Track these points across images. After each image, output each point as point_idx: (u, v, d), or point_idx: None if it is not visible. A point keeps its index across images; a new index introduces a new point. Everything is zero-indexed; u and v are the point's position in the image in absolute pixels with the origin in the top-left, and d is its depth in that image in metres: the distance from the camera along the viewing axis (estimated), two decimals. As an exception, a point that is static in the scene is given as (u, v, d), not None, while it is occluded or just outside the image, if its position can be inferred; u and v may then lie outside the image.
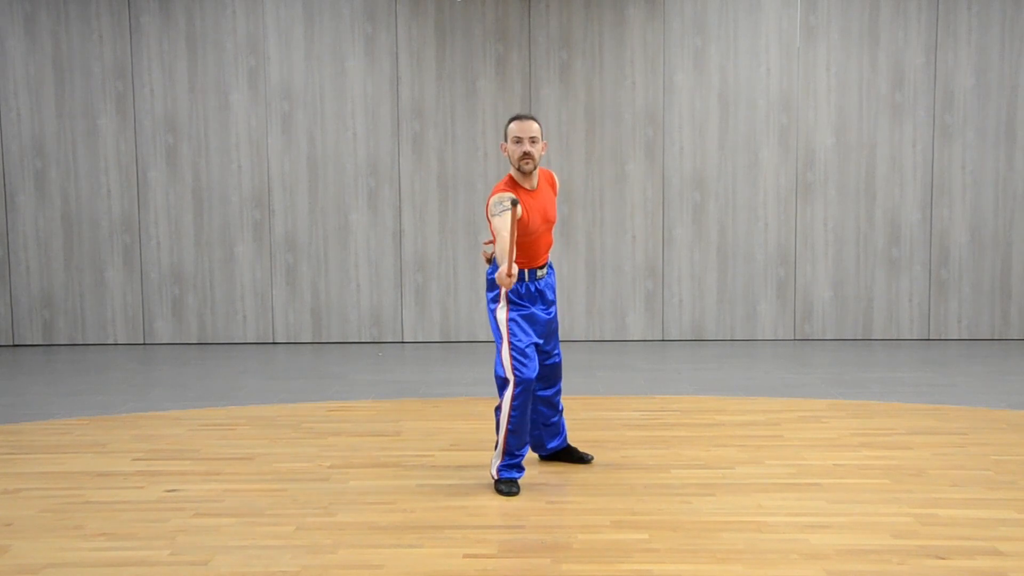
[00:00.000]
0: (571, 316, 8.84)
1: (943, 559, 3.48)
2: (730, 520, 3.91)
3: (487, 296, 4.49)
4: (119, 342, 8.87)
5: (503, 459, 4.38)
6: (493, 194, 4.32)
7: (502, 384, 4.38)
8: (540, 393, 4.67)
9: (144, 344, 8.87)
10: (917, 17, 8.59)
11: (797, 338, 8.88)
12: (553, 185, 4.58)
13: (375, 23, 8.66)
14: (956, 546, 3.61)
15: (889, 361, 7.83)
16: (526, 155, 4.30)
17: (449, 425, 5.62)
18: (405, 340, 8.90)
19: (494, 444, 4.57)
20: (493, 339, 4.46)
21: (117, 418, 5.88)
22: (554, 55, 8.68)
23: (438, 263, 8.84)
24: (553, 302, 4.58)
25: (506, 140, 4.38)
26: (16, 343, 8.85)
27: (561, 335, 8.80)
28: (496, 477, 4.39)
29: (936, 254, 8.78)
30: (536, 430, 4.74)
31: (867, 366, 7.59)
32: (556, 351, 4.69)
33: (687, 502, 4.15)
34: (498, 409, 4.40)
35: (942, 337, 8.84)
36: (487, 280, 4.51)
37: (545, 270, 4.52)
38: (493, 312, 4.44)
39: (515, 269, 4.07)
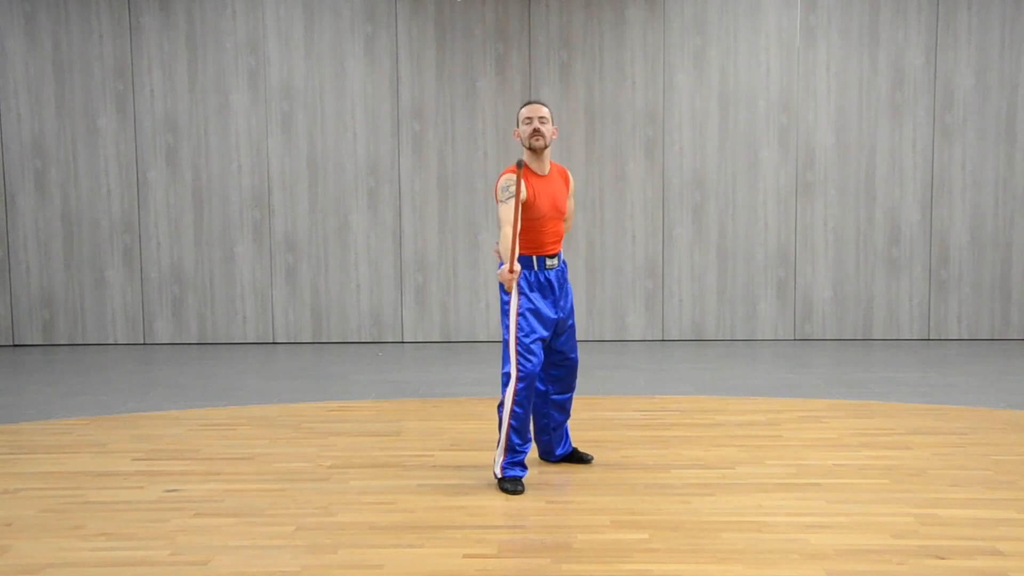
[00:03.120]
0: (571, 316, 8.83)
1: (943, 559, 3.48)
2: (730, 520, 3.91)
3: (501, 296, 4.49)
4: (119, 342, 8.87)
5: (506, 456, 4.37)
6: (502, 175, 4.39)
7: (507, 380, 4.38)
8: (555, 397, 4.68)
9: (144, 344, 8.87)
10: (917, 17, 8.59)
11: (797, 338, 8.88)
12: (566, 180, 4.64)
13: (375, 23, 8.66)
14: (956, 546, 3.60)
15: (889, 361, 7.82)
16: (536, 132, 4.42)
17: (449, 425, 5.62)
18: (405, 340, 8.90)
19: (496, 442, 4.55)
20: (503, 337, 4.45)
21: (117, 418, 5.88)
22: (554, 55, 8.68)
23: (438, 263, 8.83)
24: (564, 297, 4.57)
25: (516, 125, 4.51)
26: (16, 343, 8.85)
27: (561, 335, 8.79)
28: (500, 476, 4.39)
29: (936, 254, 8.78)
30: (546, 435, 4.74)
31: (867, 366, 7.59)
32: (573, 353, 4.68)
33: (687, 502, 4.15)
34: (500, 406, 4.40)
35: (942, 337, 8.84)
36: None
37: (556, 261, 4.52)
38: (506, 306, 4.43)
39: (517, 267, 4.20)
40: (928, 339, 8.83)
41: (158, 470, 4.71)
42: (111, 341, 8.87)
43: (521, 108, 4.50)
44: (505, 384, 4.38)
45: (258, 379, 7.23)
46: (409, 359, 8.09)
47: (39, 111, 8.66)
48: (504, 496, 4.26)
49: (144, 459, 4.92)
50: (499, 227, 4.46)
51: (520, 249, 4.41)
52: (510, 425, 4.33)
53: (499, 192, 4.36)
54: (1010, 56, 8.59)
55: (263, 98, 8.69)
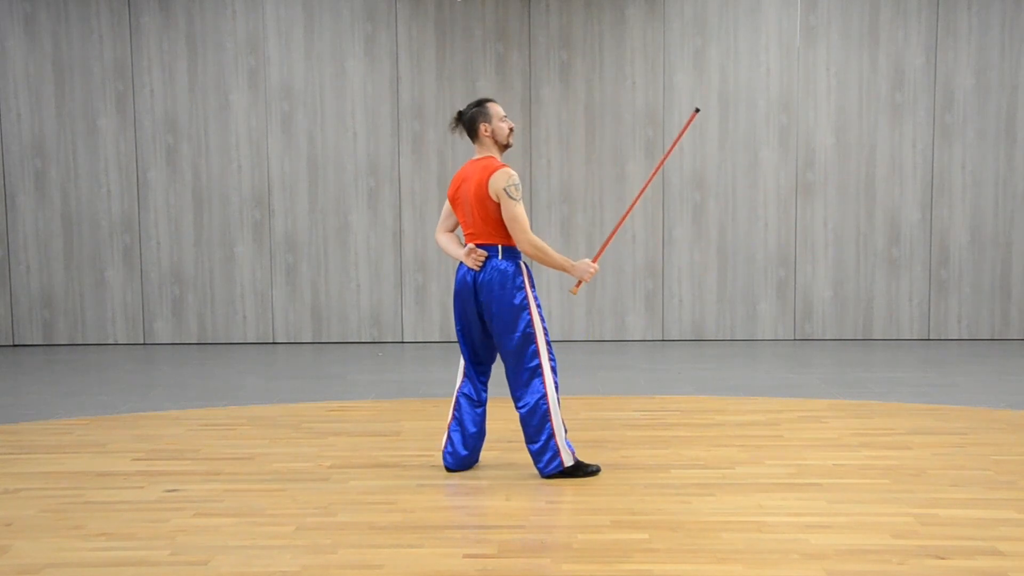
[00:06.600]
0: (571, 316, 8.84)
1: (943, 559, 3.48)
2: (730, 520, 3.91)
3: (513, 294, 4.37)
4: (119, 342, 8.87)
5: (565, 438, 4.44)
6: (496, 168, 4.34)
7: (530, 377, 4.40)
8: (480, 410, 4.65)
9: (144, 344, 8.87)
10: (917, 17, 8.59)
11: (797, 338, 8.87)
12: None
13: (375, 23, 8.66)
14: (956, 546, 3.60)
15: (889, 361, 7.82)
16: (512, 130, 4.49)
17: (449, 425, 5.61)
18: (405, 340, 8.90)
19: (539, 439, 4.43)
20: (512, 332, 4.39)
21: (117, 418, 5.88)
22: (554, 55, 8.68)
23: (438, 263, 8.83)
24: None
25: (488, 121, 4.43)
26: (16, 343, 8.85)
27: (561, 335, 8.83)
28: (574, 462, 4.45)
29: (936, 254, 8.77)
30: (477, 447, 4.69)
31: (867, 366, 7.59)
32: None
33: (687, 502, 4.15)
34: (541, 402, 4.38)
35: (942, 337, 8.84)
36: (506, 275, 4.39)
37: None
38: (524, 306, 4.38)
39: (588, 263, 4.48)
40: (928, 339, 8.83)
41: (158, 470, 4.71)
42: (111, 341, 8.87)
43: (489, 104, 4.43)
44: (527, 383, 4.39)
45: (258, 379, 7.23)
46: (409, 359, 8.09)
47: (39, 111, 8.65)
48: (504, 496, 4.26)
49: (144, 459, 4.92)
50: (520, 228, 4.28)
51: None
52: (559, 411, 4.43)
53: (514, 190, 4.29)
54: (1010, 56, 8.59)
55: (263, 98, 8.69)
